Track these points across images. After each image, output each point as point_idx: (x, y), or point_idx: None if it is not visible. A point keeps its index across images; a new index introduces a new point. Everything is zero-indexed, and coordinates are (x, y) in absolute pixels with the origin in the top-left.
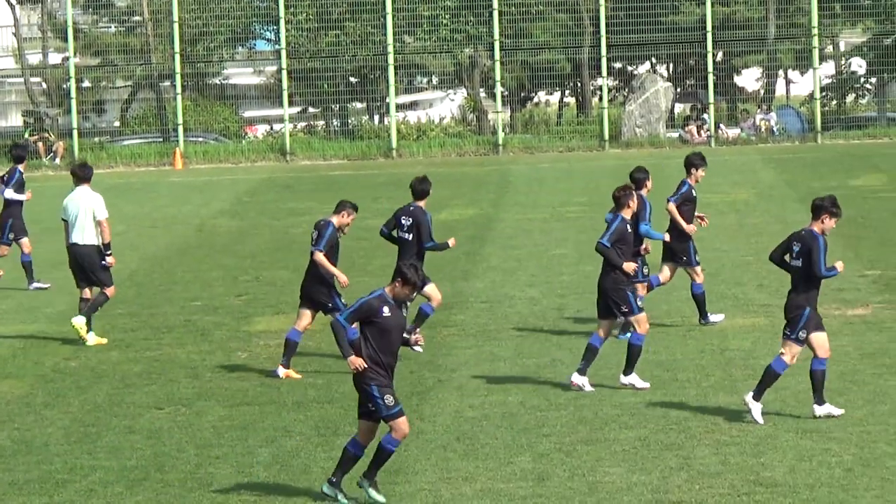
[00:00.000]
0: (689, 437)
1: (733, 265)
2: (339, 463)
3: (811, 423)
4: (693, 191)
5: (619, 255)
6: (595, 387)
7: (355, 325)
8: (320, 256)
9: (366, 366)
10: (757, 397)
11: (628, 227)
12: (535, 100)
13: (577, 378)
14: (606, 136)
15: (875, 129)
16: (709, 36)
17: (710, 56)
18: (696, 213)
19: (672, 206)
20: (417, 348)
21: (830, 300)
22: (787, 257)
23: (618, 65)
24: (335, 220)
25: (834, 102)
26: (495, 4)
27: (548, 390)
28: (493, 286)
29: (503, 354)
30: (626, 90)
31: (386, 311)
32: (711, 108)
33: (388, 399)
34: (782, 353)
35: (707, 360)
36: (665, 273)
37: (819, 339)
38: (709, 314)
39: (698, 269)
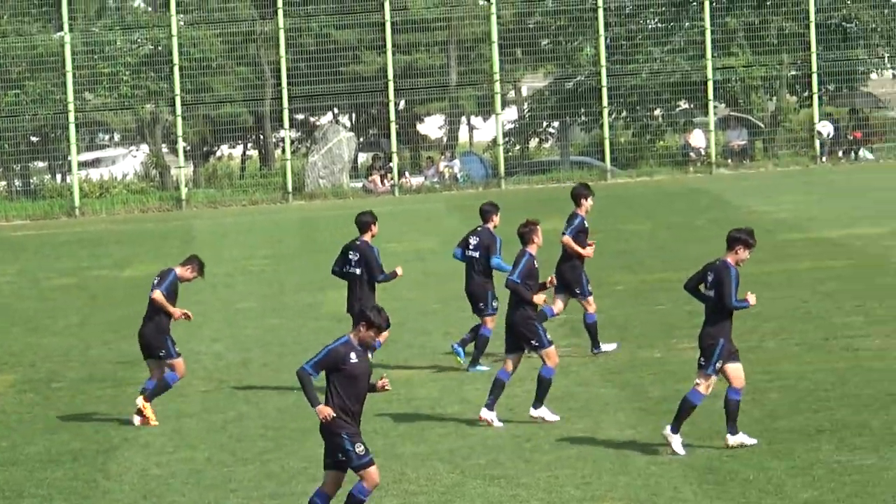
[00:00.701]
0: (377, 488)
1: (419, 313)
2: None
3: (499, 470)
4: (585, 221)
5: (528, 289)
6: (285, 440)
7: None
8: (159, 295)
9: (334, 415)
10: (675, 430)
11: (535, 262)
12: (218, 153)
13: (485, 413)
14: (290, 188)
15: (558, 172)
16: (390, 84)
17: (391, 104)
18: (588, 241)
19: (567, 239)
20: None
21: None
22: (701, 287)
23: (300, 116)
24: (178, 270)
25: (517, 147)
26: (176, 59)
27: (234, 445)
28: (178, 342)
29: (190, 410)
30: (309, 141)
31: (353, 357)
32: (395, 156)
33: (360, 448)
34: (697, 385)
35: (395, 408)
36: (558, 305)
37: (734, 369)
38: (601, 343)
39: (590, 298)
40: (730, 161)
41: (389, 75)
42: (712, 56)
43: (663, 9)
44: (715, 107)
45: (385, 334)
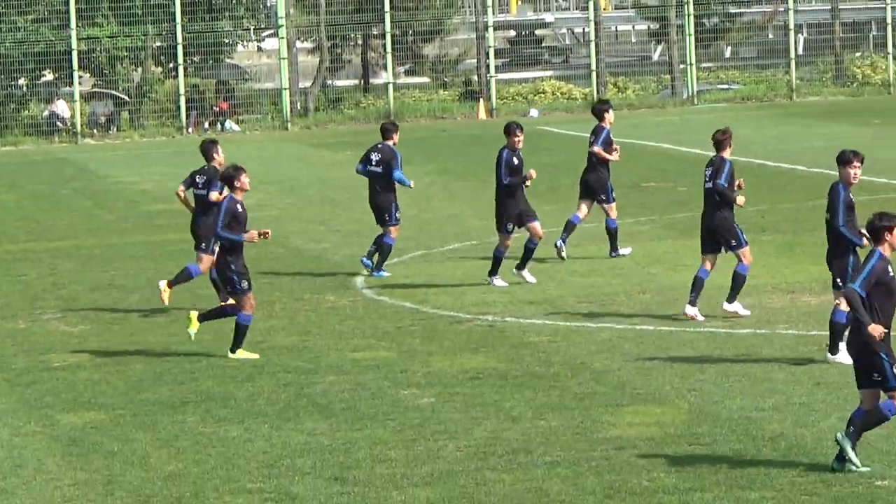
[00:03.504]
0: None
1: None
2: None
3: None
4: (610, 133)
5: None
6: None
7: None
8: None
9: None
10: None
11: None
12: None
13: (689, 309)
14: None
15: None
16: None
17: None
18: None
19: (597, 149)
20: None
21: None
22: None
23: None
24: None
25: None
26: None
27: None
28: None
29: None
30: None
31: (890, 271)
32: None
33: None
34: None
35: None
36: (583, 210)
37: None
38: (619, 248)
39: (613, 205)
40: (95, 131)
41: None
42: (77, 26)
43: None
44: (80, 77)
45: None
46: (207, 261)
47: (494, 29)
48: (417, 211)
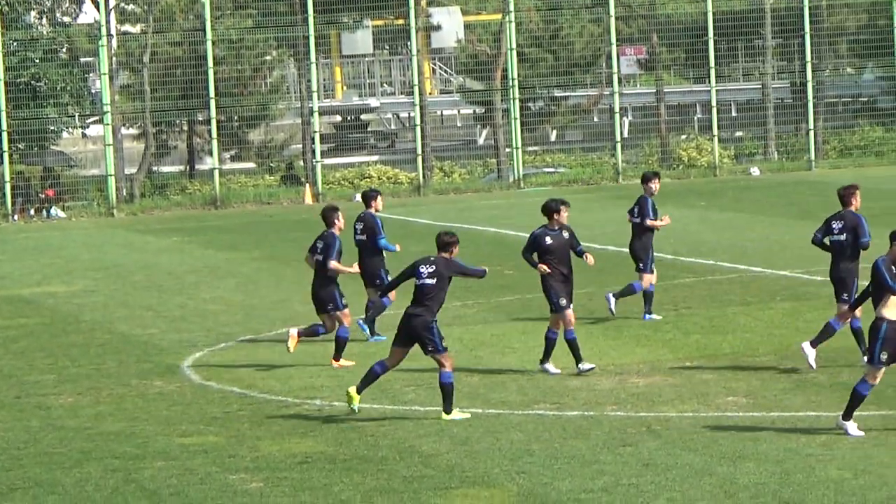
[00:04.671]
0: None
1: None
2: None
3: None
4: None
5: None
6: None
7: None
8: (335, 264)
9: None
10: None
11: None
12: None
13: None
14: None
15: None
16: None
17: None
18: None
19: (651, 222)
20: None
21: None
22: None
23: None
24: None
25: None
26: None
27: None
28: None
29: None
30: None
31: None
32: None
33: None
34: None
35: None
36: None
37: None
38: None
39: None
40: None
41: None
42: None
43: None
44: None
45: None
46: (343, 317)
47: (320, 114)
48: (244, 296)
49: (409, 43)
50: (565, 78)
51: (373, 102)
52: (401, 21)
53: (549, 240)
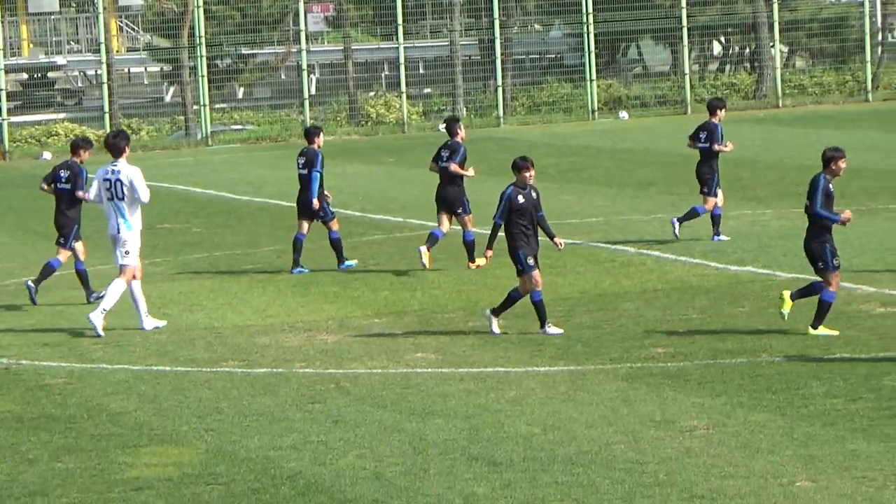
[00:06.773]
0: None
1: None
2: None
3: None
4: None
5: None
6: None
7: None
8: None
9: None
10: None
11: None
12: None
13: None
14: None
15: None
16: None
17: None
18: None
19: (719, 147)
20: None
21: None
22: None
23: None
24: None
25: None
26: None
27: None
28: None
29: None
30: None
31: None
32: None
33: None
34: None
35: None
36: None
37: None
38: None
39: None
40: None
41: None
42: None
43: None
44: None
45: None
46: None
47: (6, 72)
48: None
49: (95, 1)
50: (253, 35)
51: (60, 60)
52: None
53: (521, 199)
